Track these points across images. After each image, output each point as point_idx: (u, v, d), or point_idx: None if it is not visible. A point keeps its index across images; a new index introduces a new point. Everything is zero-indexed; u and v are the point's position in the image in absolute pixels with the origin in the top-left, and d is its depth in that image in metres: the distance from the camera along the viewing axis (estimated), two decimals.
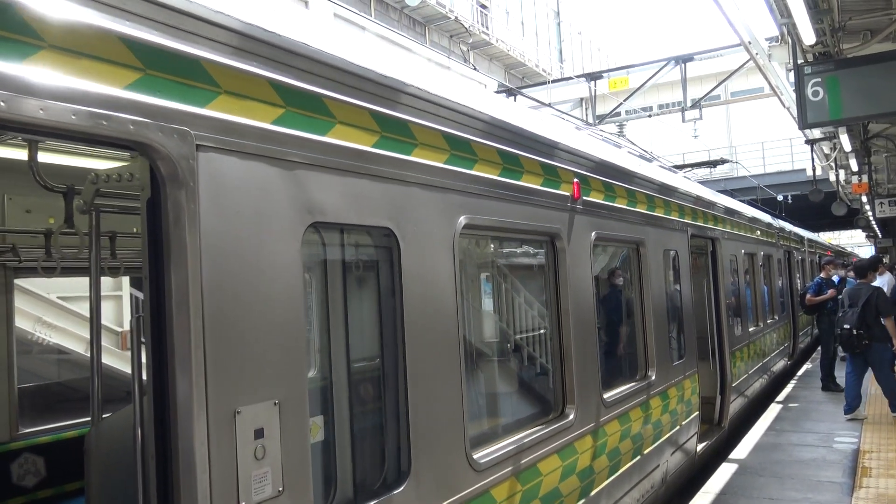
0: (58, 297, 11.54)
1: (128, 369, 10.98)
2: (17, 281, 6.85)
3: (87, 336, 11.02)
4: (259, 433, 2.52)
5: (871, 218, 23.80)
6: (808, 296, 13.01)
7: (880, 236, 34.22)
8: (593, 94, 20.36)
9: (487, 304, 5.23)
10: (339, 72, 3.09)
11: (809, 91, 7.24)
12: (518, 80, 39.59)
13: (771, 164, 40.22)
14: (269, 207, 2.67)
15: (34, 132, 2.08)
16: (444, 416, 3.57)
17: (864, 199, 20.19)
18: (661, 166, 10.04)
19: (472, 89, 4.37)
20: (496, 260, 5.37)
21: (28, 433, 5.71)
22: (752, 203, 21.44)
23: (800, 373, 15.38)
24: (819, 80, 7.20)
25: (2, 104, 1.88)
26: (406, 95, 3.52)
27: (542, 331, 5.41)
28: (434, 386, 3.51)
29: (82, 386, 11.34)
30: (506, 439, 4.26)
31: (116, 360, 12.02)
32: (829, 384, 12.49)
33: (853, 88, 7.24)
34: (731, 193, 20.43)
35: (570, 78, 21.50)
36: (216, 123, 2.49)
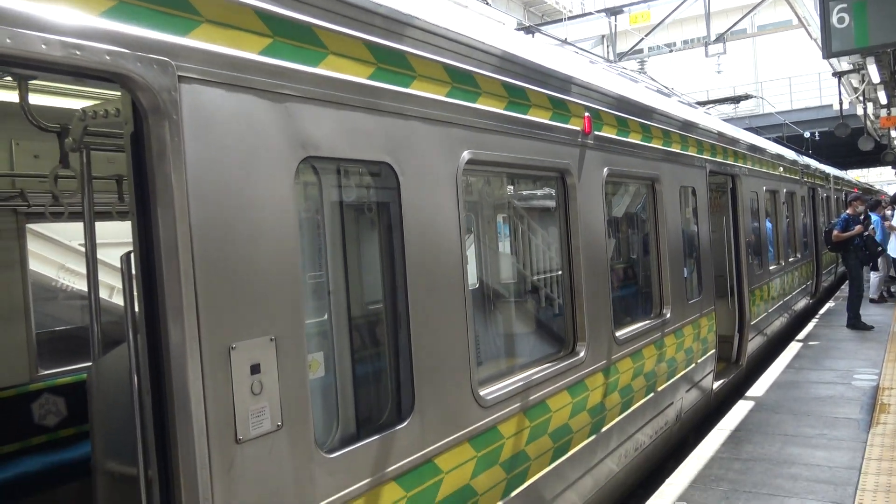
0: (79, 245, 11.68)
1: None
2: (34, 227, 6.88)
3: (111, 282, 11.19)
4: (255, 369, 2.51)
5: None
6: (834, 232, 12.77)
7: None
8: (614, 29, 19.81)
9: (494, 241, 5.17)
10: (329, 0, 2.97)
11: (835, 18, 6.92)
12: (537, 17, 38.67)
13: (798, 101, 39.20)
14: (258, 142, 2.60)
15: (8, 64, 2.01)
16: (449, 353, 3.54)
17: (893, 133, 19.60)
18: (680, 102, 9.78)
19: (474, 20, 4.21)
20: (504, 196, 5.28)
21: (47, 374, 5.81)
22: (777, 140, 20.93)
23: (822, 311, 15.23)
24: (845, 5, 6.88)
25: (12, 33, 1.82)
26: (402, 25, 3.39)
27: (552, 268, 5.34)
28: (438, 322, 3.48)
29: (104, 329, 11.55)
30: (514, 376, 4.24)
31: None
32: (856, 323, 12.36)
33: (881, 14, 6.90)
34: (756, 131, 19.93)
35: (590, 13, 20.87)
36: (199, 54, 2.41)
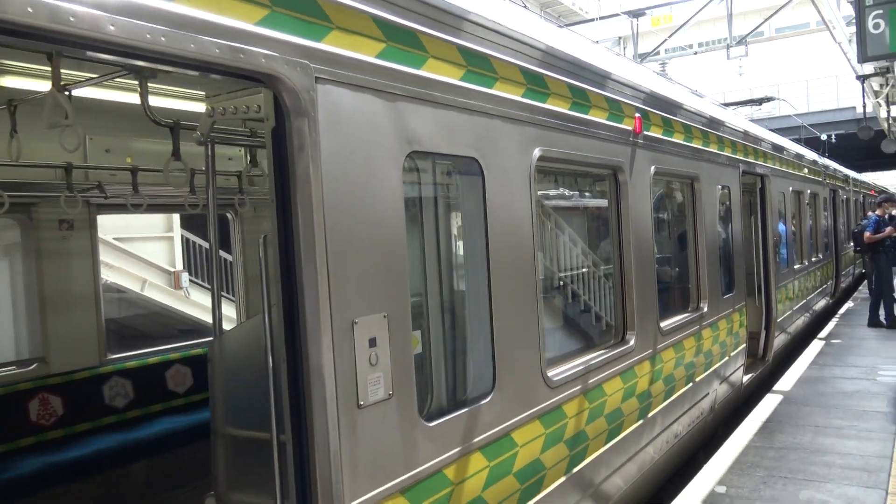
0: (114, 239, 11.97)
1: (179, 307, 11.29)
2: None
3: (142, 275, 11.40)
4: (372, 342, 2.78)
5: None
6: (866, 234, 12.94)
7: None
8: (636, 31, 20.02)
9: (557, 234, 5.42)
10: (429, 7, 3.23)
11: (871, 23, 7.16)
12: (554, 18, 38.88)
13: (815, 103, 39.23)
14: (375, 136, 2.87)
15: (182, 66, 2.28)
16: (523, 336, 3.81)
17: None
18: (713, 104, 10.01)
19: (543, 25, 4.48)
20: (563, 193, 5.54)
21: (115, 358, 6.12)
22: (795, 142, 21.11)
23: (842, 311, 15.42)
24: (881, 11, 7.11)
25: (163, 39, 2.09)
26: (487, 30, 3.66)
27: (605, 262, 5.59)
28: (514, 308, 3.75)
29: (137, 323, 11.81)
30: (575, 360, 4.51)
31: (169, 297, 12.46)
32: (893, 323, 12.49)
33: None
34: (773, 132, 20.11)
35: (617, 14, 21.08)
36: (330, 57, 2.68)
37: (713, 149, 7.42)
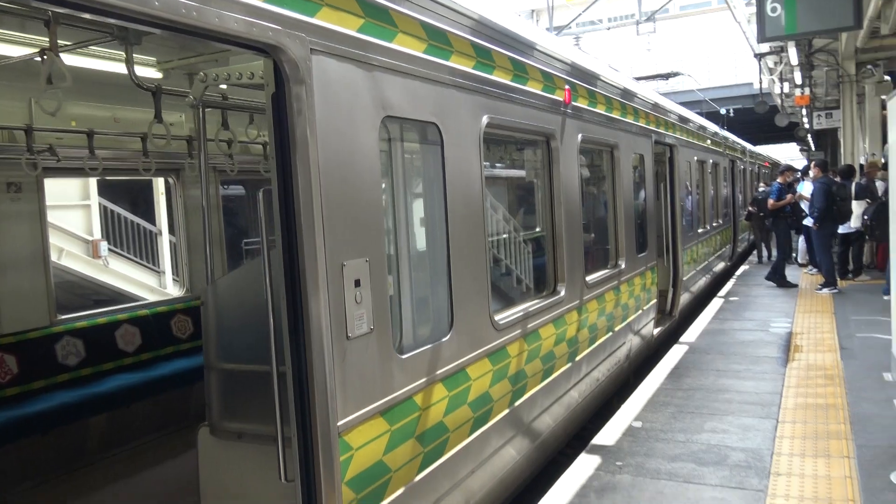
0: None
1: (95, 276, 11.38)
2: None
3: (60, 244, 11.39)
4: (357, 283, 3.18)
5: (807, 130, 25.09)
6: (770, 200, 13.96)
7: (813, 149, 35.90)
8: (551, 4, 20.62)
9: (499, 194, 5.90)
10: None
11: (768, 7, 7.91)
12: None
13: (715, 79, 41.22)
14: (357, 102, 3.25)
15: (205, 36, 2.59)
16: (475, 284, 4.29)
17: (804, 111, 21.31)
18: (628, 77, 10.68)
19: (490, 4, 4.89)
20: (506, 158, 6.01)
21: (64, 319, 6.27)
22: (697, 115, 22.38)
23: (738, 272, 16.71)
24: None
25: (194, 14, 2.40)
26: (446, 8, 4.05)
27: (540, 221, 6.12)
28: (468, 259, 4.21)
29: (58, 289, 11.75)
30: (516, 307, 5.03)
31: (87, 266, 12.34)
32: (782, 281, 13.65)
33: (806, 6, 7.94)
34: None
35: None
36: (321, 30, 3.03)
37: (630, 119, 8.06)
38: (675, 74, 17.51)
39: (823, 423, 6.12)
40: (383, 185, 3.55)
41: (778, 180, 14.38)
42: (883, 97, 14.51)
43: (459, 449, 4.06)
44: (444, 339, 3.93)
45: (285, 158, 2.92)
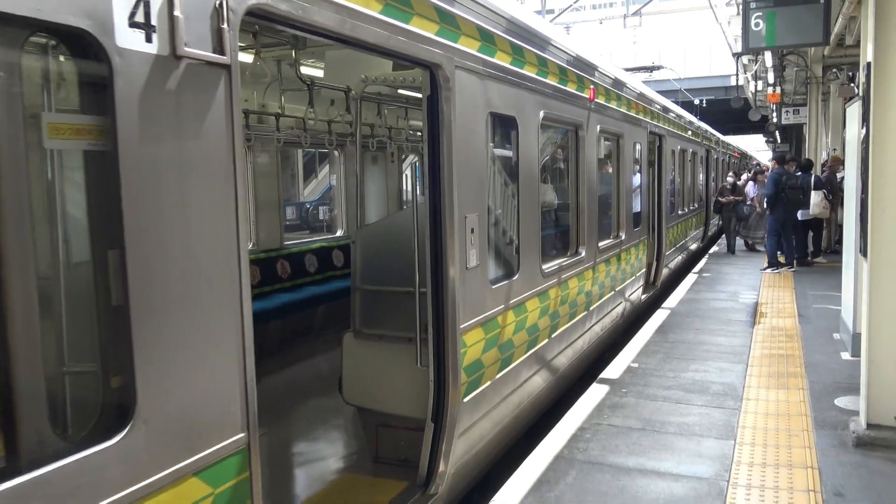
0: None
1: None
2: None
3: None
4: (472, 230, 4.51)
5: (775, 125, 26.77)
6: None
7: (780, 141, 37.83)
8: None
9: (550, 173, 7.27)
10: (495, 15, 4.90)
11: (752, 22, 9.32)
12: None
13: (690, 70, 42.91)
14: (476, 102, 4.55)
15: (389, 55, 3.83)
16: (532, 239, 5.64)
17: (773, 107, 22.93)
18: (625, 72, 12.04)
19: (543, 22, 6.20)
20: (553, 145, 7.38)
21: (287, 245, 8.85)
22: None
23: (710, 251, 18.35)
24: (761, 14, 9.29)
25: (389, 40, 3.66)
26: (521, 28, 5.36)
27: (568, 197, 7.48)
28: (528, 219, 5.56)
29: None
30: (553, 261, 6.40)
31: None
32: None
33: (785, 22, 9.37)
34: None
35: None
36: (460, 52, 4.32)
37: (632, 112, 9.45)
38: (659, 68, 18.95)
39: (784, 367, 7.63)
40: (487, 162, 4.87)
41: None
42: (844, 97, 16.06)
43: (519, 362, 5.44)
44: (514, 278, 5.29)
45: (434, 141, 4.22)
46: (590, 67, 7.31)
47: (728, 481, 4.83)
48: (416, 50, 3.87)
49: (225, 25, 2.44)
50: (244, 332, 2.59)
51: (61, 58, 2.12)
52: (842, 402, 6.38)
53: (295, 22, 2.90)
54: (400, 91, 6.70)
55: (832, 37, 10.54)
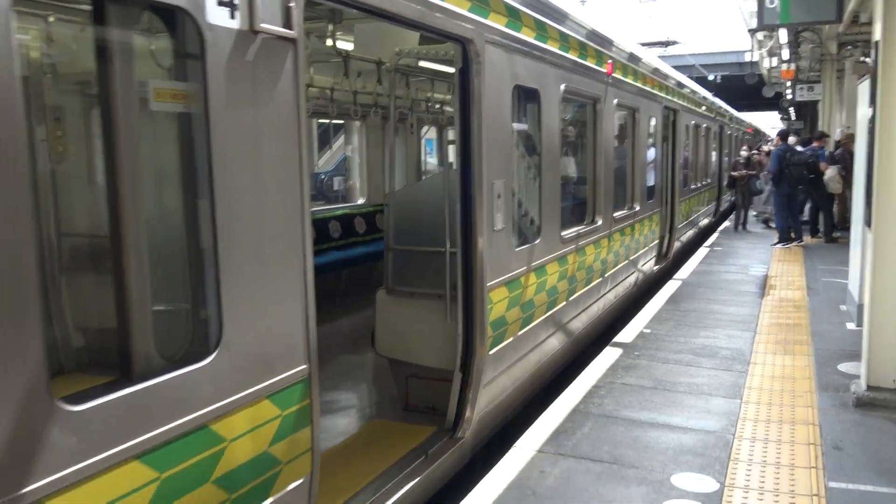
0: None
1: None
2: None
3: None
4: (498, 196, 4.81)
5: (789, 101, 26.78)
6: (822, 164, 14.68)
7: (794, 118, 37.74)
8: None
9: (569, 145, 7.55)
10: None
11: (767, 0, 9.50)
12: None
13: (704, 45, 42.71)
14: (503, 75, 4.84)
15: (424, 29, 4.11)
16: (552, 207, 5.94)
17: (788, 84, 22.97)
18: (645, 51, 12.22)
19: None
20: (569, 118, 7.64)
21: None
22: None
23: (721, 227, 18.58)
24: None
25: (426, 16, 3.94)
26: (544, 5, 5.62)
27: (585, 170, 7.76)
28: (549, 187, 5.86)
29: None
30: (571, 228, 6.71)
31: None
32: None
33: (798, 0, 9.54)
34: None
35: None
36: (489, 28, 4.60)
37: (648, 87, 9.68)
38: (674, 43, 19.06)
39: (790, 335, 7.93)
40: (512, 132, 5.16)
41: (815, 144, 15.24)
42: (860, 74, 16.16)
43: (539, 322, 5.77)
44: (536, 242, 5.61)
45: (465, 111, 4.52)
46: (608, 43, 7.55)
47: (734, 435, 5.17)
48: (450, 25, 4.15)
49: (293, 3, 2.74)
50: (306, 277, 2.92)
51: (163, 32, 2.43)
52: (844, 367, 6.69)
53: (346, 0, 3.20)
54: (422, 64, 6.93)
55: (846, 14, 10.68)
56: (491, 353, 4.83)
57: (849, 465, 4.63)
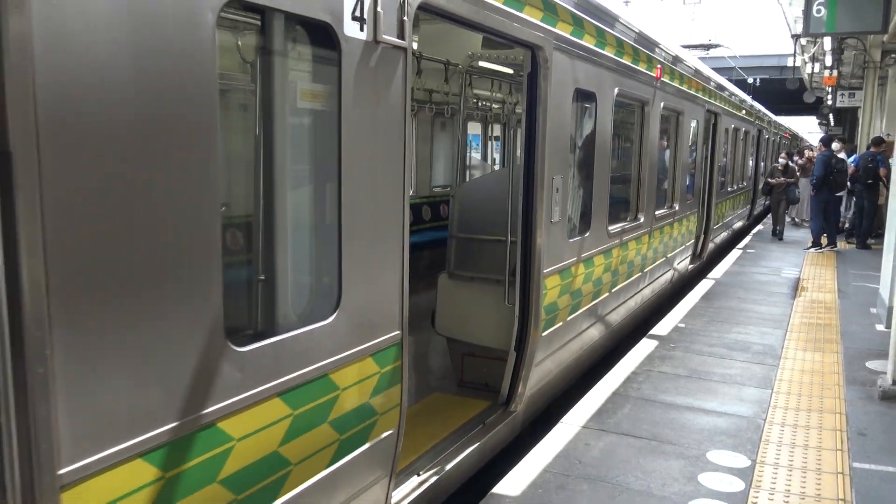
0: None
1: None
2: None
3: None
4: (557, 189, 5.24)
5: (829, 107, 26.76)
6: (852, 167, 15.21)
7: (833, 124, 37.51)
8: None
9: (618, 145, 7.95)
10: (585, 1, 5.57)
11: (814, 9, 9.77)
12: None
13: (745, 48, 42.52)
14: (566, 79, 5.25)
15: (499, 36, 4.52)
16: (601, 202, 6.35)
17: (829, 90, 23.00)
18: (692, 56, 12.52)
19: (619, 4, 6.83)
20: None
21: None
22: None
23: (754, 231, 18.78)
24: (823, 1, 9.73)
25: (505, 25, 4.36)
26: (603, 13, 6.02)
27: (630, 168, 8.14)
28: (600, 184, 6.26)
29: None
30: (617, 224, 7.11)
31: None
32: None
33: (846, 10, 9.80)
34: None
35: None
36: (557, 35, 5.01)
37: (692, 91, 10.00)
38: (716, 46, 19.23)
39: (821, 334, 8.26)
40: (570, 132, 5.58)
41: (872, 150, 15.10)
42: None
43: (585, 309, 6.20)
44: (586, 235, 6.03)
45: (531, 111, 4.95)
46: (658, 48, 7.92)
47: (765, 420, 5.56)
48: (525, 34, 4.58)
49: (406, 18, 3.19)
50: (404, 254, 3.38)
51: (309, 42, 2.89)
52: (872, 364, 7.03)
53: (445, 12, 3.64)
54: (482, 64, 7.36)
55: (892, 24, 10.90)
56: (543, 335, 5.27)
57: (872, 449, 5.01)
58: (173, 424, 2.21)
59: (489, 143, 13.29)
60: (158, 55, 2.04)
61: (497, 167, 12.89)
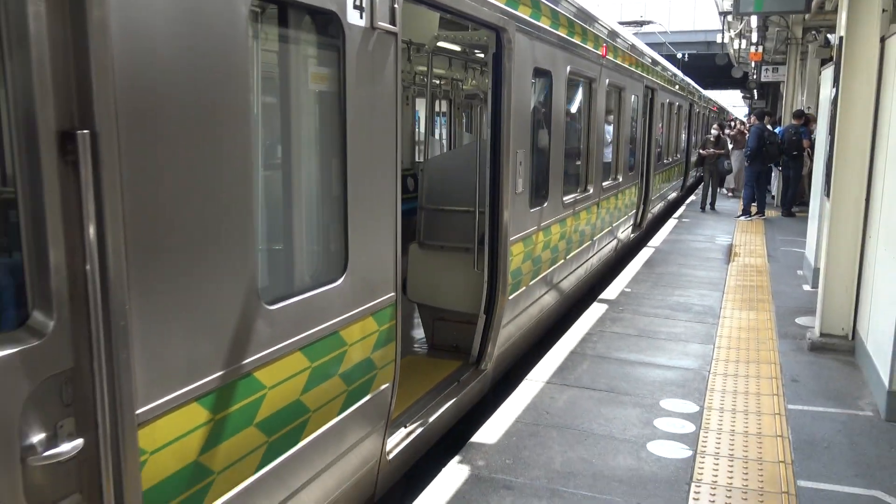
0: None
1: None
2: None
3: None
4: (520, 162, 5.60)
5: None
6: (805, 142, 15.48)
7: (756, 98, 39.06)
8: None
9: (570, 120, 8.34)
10: None
11: None
12: None
13: (674, 24, 43.75)
14: (526, 59, 5.60)
15: (465, 18, 4.82)
16: (558, 174, 6.76)
17: (754, 65, 24.03)
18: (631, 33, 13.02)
19: None
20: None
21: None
22: None
23: (688, 201, 19.65)
24: None
25: (484, 10, 4.68)
26: (567, 4, 6.38)
27: (580, 143, 8.57)
28: (556, 156, 6.66)
29: None
30: (570, 195, 7.54)
31: None
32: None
33: None
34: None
35: None
36: (518, 17, 5.35)
37: (633, 68, 10.50)
38: (649, 22, 19.89)
39: (754, 295, 8.93)
40: (530, 108, 5.95)
41: (794, 122, 15.94)
42: (822, 58, 17.20)
43: (544, 275, 6.62)
44: (545, 205, 6.43)
45: (497, 89, 5.28)
46: (603, 27, 8.34)
47: (710, 371, 6.10)
48: (491, 17, 4.90)
49: (396, 5, 3.47)
50: (396, 221, 3.69)
51: (315, 29, 3.15)
52: (801, 320, 7.70)
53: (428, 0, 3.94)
54: (440, 45, 7.66)
55: (813, 4, 11.62)
56: (510, 298, 5.66)
57: (804, 392, 5.60)
58: (220, 373, 2.50)
59: (436, 118, 13.58)
60: (208, 43, 2.29)
61: (444, 142, 13.22)
